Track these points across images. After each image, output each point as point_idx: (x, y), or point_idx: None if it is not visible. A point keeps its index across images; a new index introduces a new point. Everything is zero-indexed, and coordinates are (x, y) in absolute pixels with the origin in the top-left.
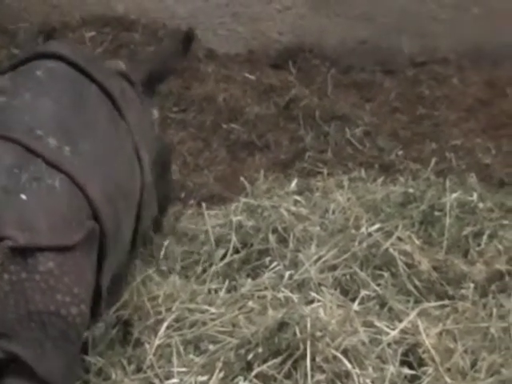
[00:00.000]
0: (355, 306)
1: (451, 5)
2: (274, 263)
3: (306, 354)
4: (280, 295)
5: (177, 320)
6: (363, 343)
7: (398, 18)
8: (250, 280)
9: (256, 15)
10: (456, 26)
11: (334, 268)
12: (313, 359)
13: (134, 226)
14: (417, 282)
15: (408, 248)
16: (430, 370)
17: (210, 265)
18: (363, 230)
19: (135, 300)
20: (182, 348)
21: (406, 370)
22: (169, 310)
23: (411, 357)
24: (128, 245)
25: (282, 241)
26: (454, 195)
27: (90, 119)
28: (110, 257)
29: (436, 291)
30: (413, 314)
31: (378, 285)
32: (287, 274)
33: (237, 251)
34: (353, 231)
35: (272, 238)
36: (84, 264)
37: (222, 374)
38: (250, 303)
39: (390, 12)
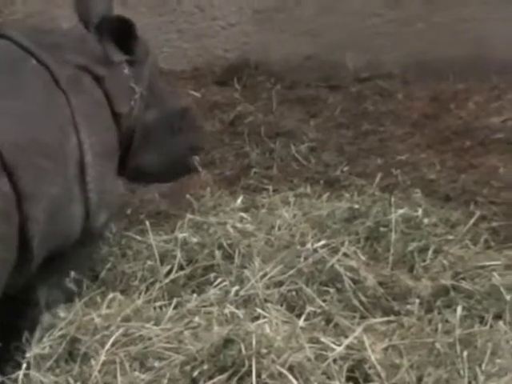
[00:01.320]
0: (301, 322)
1: (395, 20)
2: (220, 279)
3: (251, 371)
4: (226, 311)
5: (123, 336)
6: (309, 359)
7: (342, 34)
8: (195, 296)
9: (201, 32)
10: (400, 41)
11: (279, 284)
12: (258, 376)
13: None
14: (362, 298)
15: (354, 264)
16: None
17: (155, 281)
18: (309, 246)
19: (81, 316)
20: (127, 365)
21: None
22: (114, 326)
23: (357, 373)
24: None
25: (228, 257)
26: (400, 211)
27: (17, 84)
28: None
29: (382, 307)
30: (358, 330)
31: (324, 301)
32: (233, 290)
33: (182, 267)
34: (298, 247)
35: (218, 254)
36: None
37: None
38: (196, 319)
39: (335, 27)
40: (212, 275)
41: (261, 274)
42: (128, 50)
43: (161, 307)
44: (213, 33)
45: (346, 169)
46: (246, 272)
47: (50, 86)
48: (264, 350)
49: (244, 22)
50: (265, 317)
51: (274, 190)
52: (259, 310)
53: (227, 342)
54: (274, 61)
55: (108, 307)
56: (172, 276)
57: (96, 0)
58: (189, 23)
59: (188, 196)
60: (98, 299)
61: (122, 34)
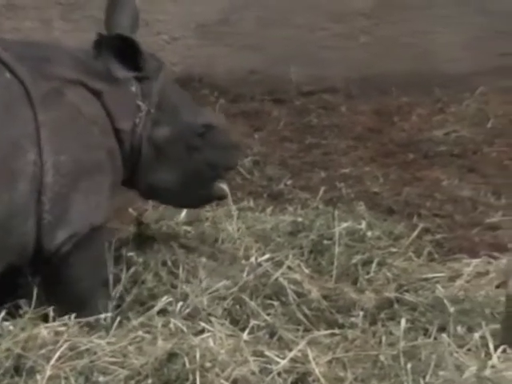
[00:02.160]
0: (245, 336)
1: (339, 34)
2: (164, 293)
3: None
4: (171, 325)
5: (69, 350)
6: (253, 373)
7: (286, 48)
8: (141, 310)
9: (145, 46)
10: (344, 55)
11: (224, 298)
12: None
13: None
14: (307, 311)
15: (298, 277)
16: None
17: None
18: (253, 259)
19: (29, 330)
20: (72, 379)
21: None
22: (61, 340)
23: None
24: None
25: (172, 271)
26: (343, 224)
27: None
28: None
29: (326, 319)
30: (302, 343)
31: (268, 314)
32: (178, 304)
33: (126, 289)
34: (243, 261)
35: (162, 269)
36: None
37: None
38: (141, 333)
39: (278, 41)
40: (157, 290)
41: (205, 288)
42: (136, 67)
43: (105, 319)
44: (157, 47)
45: (289, 182)
46: (191, 287)
47: (17, 100)
48: (208, 364)
49: (188, 36)
50: (209, 331)
51: (218, 204)
52: (203, 324)
53: (171, 355)
54: (217, 74)
55: (54, 320)
56: (118, 294)
57: (123, 17)
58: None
59: (131, 210)
60: (46, 314)
61: (128, 51)
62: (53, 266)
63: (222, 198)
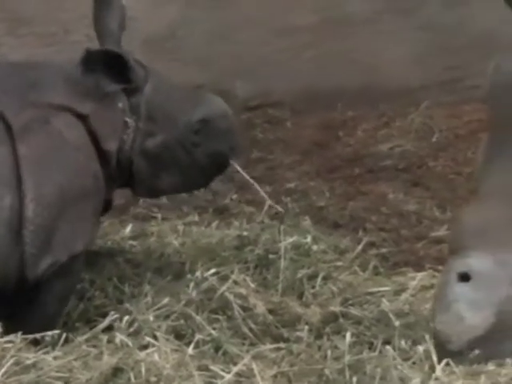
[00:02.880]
0: (190, 350)
1: (284, 48)
2: (109, 309)
3: None
4: (116, 340)
5: (15, 365)
6: None
7: (232, 62)
8: (87, 326)
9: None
10: (289, 70)
11: (169, 312)
12: None
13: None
14: (252, 325)
15: (243, 291)
16: None
17: None
18: (198, 274)
19: None
20: None
21: None
22: (8, 356)
23: None
24: None
25: (118, 287)
26: (289, 238)
27: None
28: None
29: (271, 334)
30: (247, 357)
31: (214, 328)
32: (123, 319)
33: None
34: (188, 275)
35: (108, 284)
36: None
37: None
38: (87, 348)
39: (224, 56)
40: (103, 305)
41: (150, 302)
42: (125, 79)
43: (53, 336)
44: None
45: (235, 196)
46: (137, 302)
47: None
48: (153, 379)
49: (134, 50)
50: (154, 345)
51: (163, 218)
52: (148, 339)
53: (117, 370)
54: None
55: (2, 337)
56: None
57: (110, 18)
58: (78, 53)
59: None
60: None
61: (116, 63)
62: (28, 289)
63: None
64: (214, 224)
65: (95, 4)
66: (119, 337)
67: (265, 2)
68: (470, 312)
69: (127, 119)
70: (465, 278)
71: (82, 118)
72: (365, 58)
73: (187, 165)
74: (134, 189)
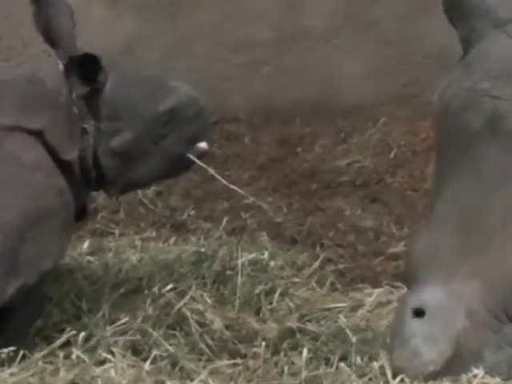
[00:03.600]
0: (147, 366)
1: (241, 64)
2: (67, 325)
3: None
4: (73, 356)
5: None
6: None
7: (187, 77)
8: (45, 342)
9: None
10: (246, 85)
11: (126, 328)
12: None
13: None
14: (209, 341)
15: (200, 307)
16: None
17: None
18: (156, 289)
19: None
20: None
21: None
22: None
23: None
24: None
25: (75, 303)
26: (246, 254)
27: None
28: None
29: (228, 350)
30: (204, 373)
31: (171, 344)
32: (80, 335)
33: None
34: (146, 291)
35: (66, 300)
36: None
37: None
38: (43, 364)
39: (180, 71)
40: (61, 323)
41: (107, 318)
42: (90, 80)
43: (9, 353)
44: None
45: (192, 212)
46: (94, 318)
47: None
48: None
49: None
50: (111, 361)
51: (121, 234)
52: (105, 355)
53: None
54: None
55: None
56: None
57: (60, 19)
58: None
59: None
60: None
61: (83, 66)
62: None
63: (203, 156)
64: (172, 240)
65: (38, 6)
66: (76, 353)
67: (222, 18)
68: (426, 347)
69: (85, 125)
70: (420, 313)
71: (36, 133)
72: (322, 74)
73: (157, 155)
74: (108, 189)
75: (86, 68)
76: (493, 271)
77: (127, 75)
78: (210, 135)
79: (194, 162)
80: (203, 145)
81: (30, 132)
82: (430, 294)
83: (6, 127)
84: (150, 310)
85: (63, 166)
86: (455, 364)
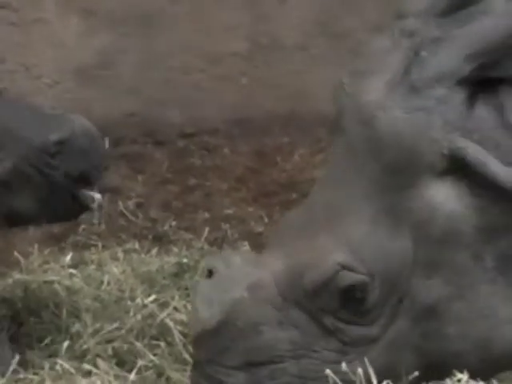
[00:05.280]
0: (132, 377)
1: (219, 76)
2: (50, 337)
3: None
4: (57, 367)
5: None
6: None
7: (164, 90)
8: (27, 352)
9: (25, 90)
10: (224, 96)
11: (110, 340)
12: None
13: None
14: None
15: (184, 318)
16: None
17: None
18: (138, 301)
19: None
20: None
21: None
22: None
23: None
24: None
25: (57, 315)
26: None
27: None
28: None
29: None
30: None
31: (155, 355)
32: (64, 345)
33: (9, 328)
34: (129, 303)
35: (47, 312)
36: None
37: None
38: (27, 375)
39: (156, 84)
40: (42, 334)
41: (91, 330)
42: None
43: None
44: (38, 91)
45: (173, 224)
46: (77, 329)
47: None
48: None
49: (68, 79)
50: (96, 373)
51: (103, 246)
52: (89, 367)
53: None
54: (97, 118)
55: None
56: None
57: None
58: (11, 82)
59: (16, 253)
60: None
61: None
62: None
63: (87, 207)
64: (154, 251)
65: None
66: (61, 363)
67: (197, 29)
68: (203, 307)
69: None
70: (210, 274)
71: None
72: (299, 84)
73: (45, 188)
74: None
75: None
76: (302, 256)
77: (14, 103)
78: (102, 174)
79: (86, 208)
80: (98, 196)
81: None
82: (226, 260)
83: None
84: (133, 321)
85: None
86: (233, 330)
